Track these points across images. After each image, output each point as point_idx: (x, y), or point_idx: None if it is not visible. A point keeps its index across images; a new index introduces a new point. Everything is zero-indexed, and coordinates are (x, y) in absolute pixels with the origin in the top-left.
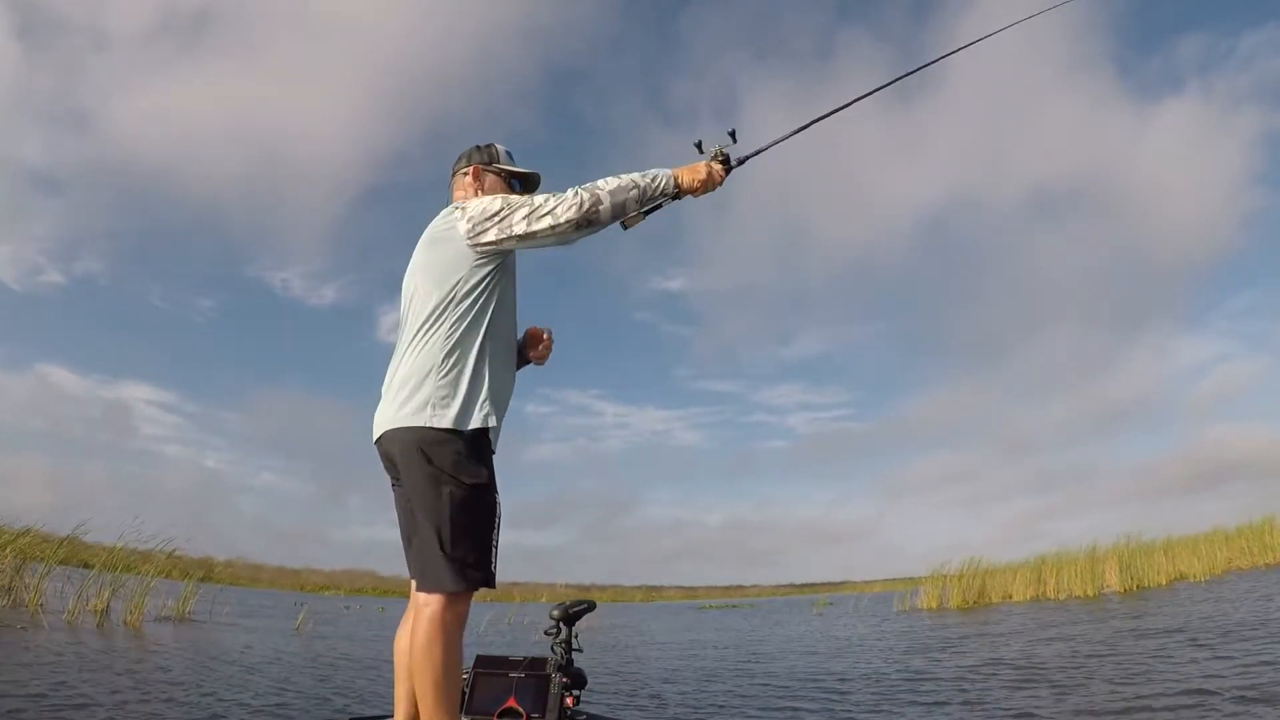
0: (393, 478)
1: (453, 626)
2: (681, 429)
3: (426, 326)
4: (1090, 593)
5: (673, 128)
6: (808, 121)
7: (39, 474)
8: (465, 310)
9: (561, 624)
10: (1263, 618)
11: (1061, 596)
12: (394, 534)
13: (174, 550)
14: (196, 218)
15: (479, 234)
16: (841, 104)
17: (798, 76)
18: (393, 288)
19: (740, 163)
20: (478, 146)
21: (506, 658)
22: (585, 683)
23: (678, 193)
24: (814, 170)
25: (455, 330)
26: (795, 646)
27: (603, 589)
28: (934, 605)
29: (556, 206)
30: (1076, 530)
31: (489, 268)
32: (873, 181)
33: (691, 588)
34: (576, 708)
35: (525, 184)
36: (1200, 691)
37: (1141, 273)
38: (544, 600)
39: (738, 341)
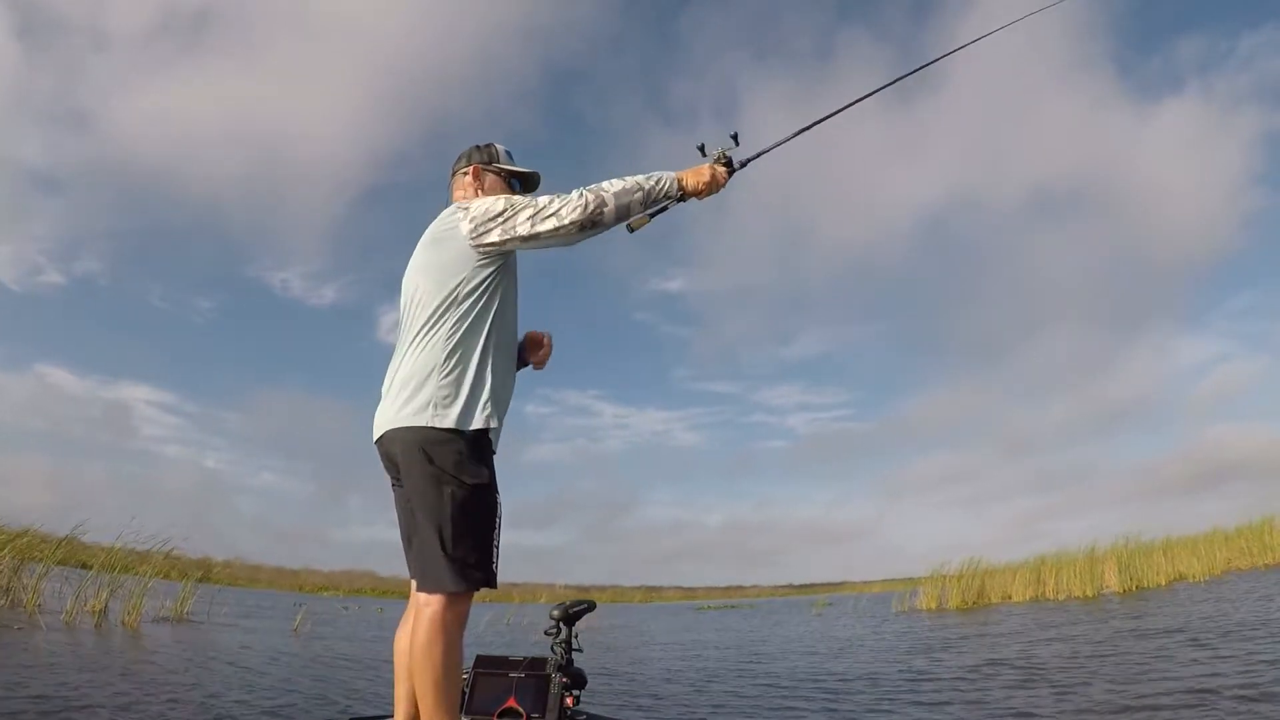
0: (393, 478)
1: (453, 626)
2: (681, 429)
3: (428, 326)
4: (1089, 593)
5: (673, 128)
6: (809, 123)
7: (38, 474)
8: (467, 310)
9: (561, 624)
10: (1263, 618)
11: (1060, 597)
12: (393, 534)
13: (171, 550)
14: (196, 218)
15: (482, 234)
16: (841, 105)
17: (798, 77)
18: (393, 288)
19: (743, 165)
20: (477, 146)
21: (506, 658)
22: (585, 683)
23: (682, 195)
24: (814, 170)
25: (457, 330)
26: (795, 647)
27: (602, 589)
28: (933, 606)
29: (561, 208)
30: (1076, 530)
31: (491, 268)
32: (873, 182)
33: (690, 588)
34: (576, 708)
35: (525, 183)
36: (1202, 691)
37: (1141, 273)
38: (543, 601)
39: (737, 342)
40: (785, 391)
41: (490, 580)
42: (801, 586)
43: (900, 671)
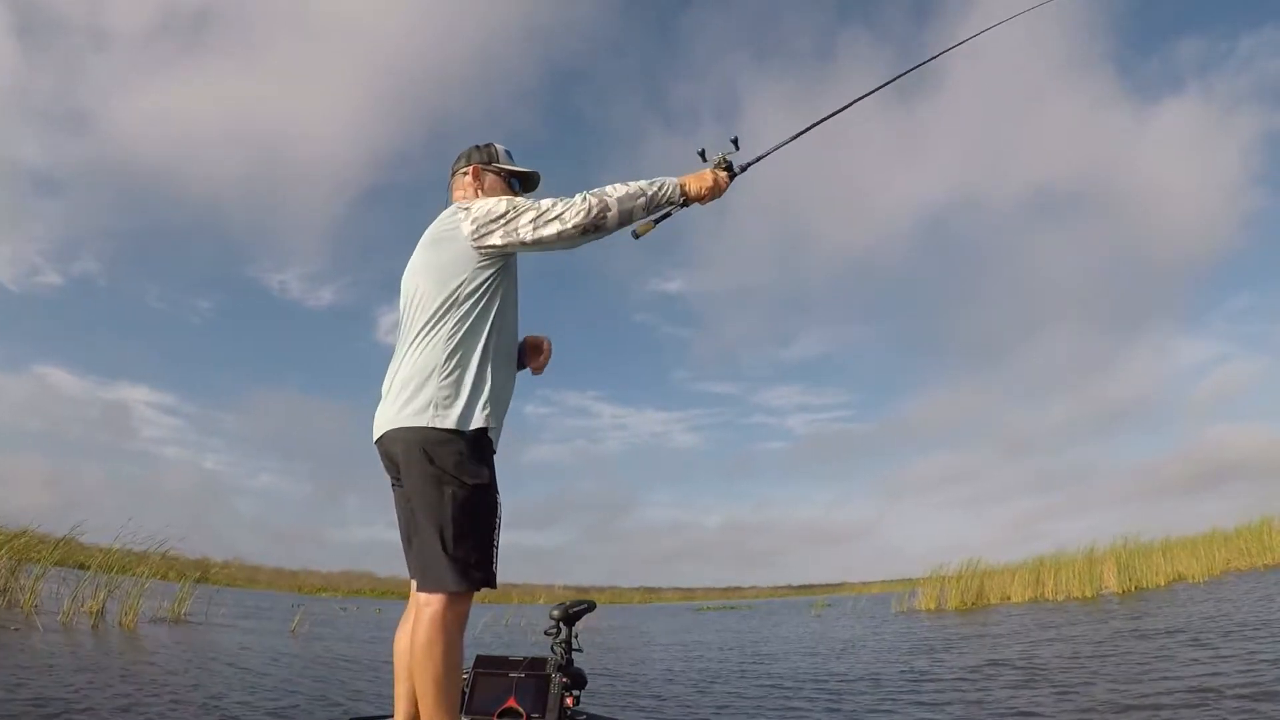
0: (393, 478)
1: (453, 626)
2: (680, 431)
3: (428, 327)
4: (1088, 594)
5: (673, 128)
6: (808, 125)
7: (37, 474)
8: (468, 311)
9: (561, 624)
10: (1263, 618)
11: (1059, 598)
12: (392, 535)
13: (168, 551)
14: (196, 218)
15: (483, 236)
16: (841, 106)
17: (798, 77)
18: (392, 288)
19: (744, 169)
20: (477, 146)
21: (506, 658)
22: (585, 683)
23: (685, 201)
24: (813, 171)
25: (458, 331)
26: (796, 648)
27: (601, 590)
28: (932, 606)
29: (565, 212)
30: (1076, 531)
31: (492, 269)
32: (873, 182)
33: (689, 589)
34: (576, 708)
35: (525, 183)
36: (1203, 690)
37: (1141, 273)
38: (542, 602)
39: (737, 343)
40: (785, 392)
41: (490, 580)
42: (800, 587)
43: (902, 672)
